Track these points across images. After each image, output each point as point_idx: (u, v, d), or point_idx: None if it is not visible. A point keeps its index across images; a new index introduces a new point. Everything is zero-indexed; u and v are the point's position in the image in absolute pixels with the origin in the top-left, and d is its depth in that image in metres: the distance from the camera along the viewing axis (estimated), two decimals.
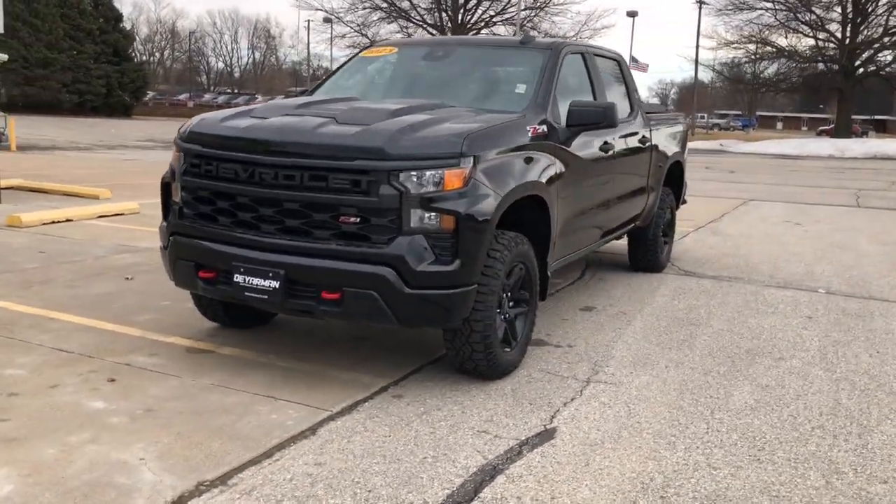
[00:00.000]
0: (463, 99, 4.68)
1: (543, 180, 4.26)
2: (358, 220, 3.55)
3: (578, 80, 5.26)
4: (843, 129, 43.33)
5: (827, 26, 43.46)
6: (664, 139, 6.65)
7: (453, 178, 3.56)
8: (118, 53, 46.59)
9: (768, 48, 44.49)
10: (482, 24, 49.33)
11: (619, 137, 5.55)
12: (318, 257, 3.60)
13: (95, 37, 45.33)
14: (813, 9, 42.81)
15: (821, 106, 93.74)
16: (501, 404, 3.78)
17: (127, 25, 51.05)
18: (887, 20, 41.60)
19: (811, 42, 44.43)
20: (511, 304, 4.16)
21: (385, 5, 48.06)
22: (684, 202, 7.82)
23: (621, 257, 7.24)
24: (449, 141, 3.63)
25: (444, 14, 49.07)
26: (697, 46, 61.36)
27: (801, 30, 43.92)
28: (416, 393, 3.87)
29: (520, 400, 3.84)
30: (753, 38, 44.82)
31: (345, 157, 3.53)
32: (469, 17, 48.94)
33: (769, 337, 5.08)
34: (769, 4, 43.08)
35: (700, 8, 48.25)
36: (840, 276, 7.07)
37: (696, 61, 51.53)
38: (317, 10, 43.58)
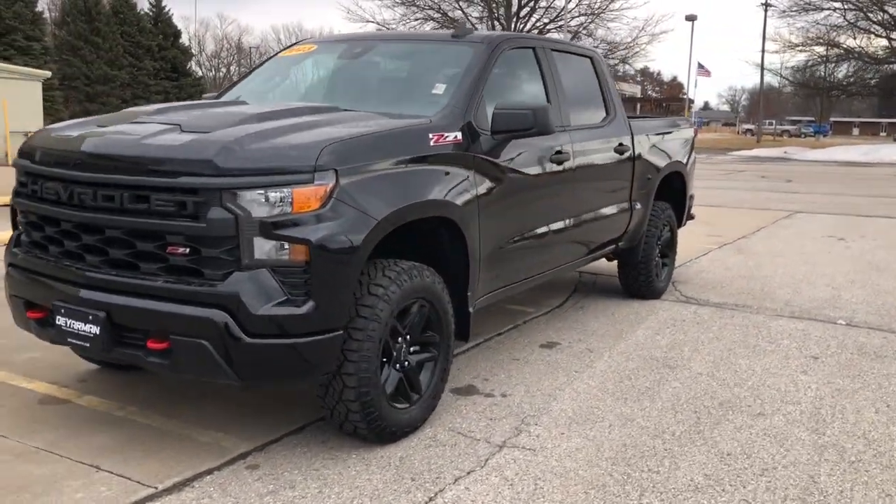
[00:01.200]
0: (372, 102, 3.99)
1: (455, 198, 3.53)
2: (188, 250, 2.89)
3: (526, 81, 4.51)
4: None
5: None
6: (654, 147, 5.80)
7: (306, 198, 2.87)
8: (176, 69, 47.56)
9: (836, 50, 42.33)
10: (536, 32, 48.47)
11: (583, 146, 4.76)
12: (144, 297, 2.95)
13: (154, 53, 46.42)
14: (886, 8, 40.52)
15: None
16: (377, 479, 3.06)
17: (191, 42, 52.13)
18: None
19: (883, 42, 42.08)
20: (412, 349, 3.43)
21: (437, 16, 47.70)
22: (691, 218, 6.92)
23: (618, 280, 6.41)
24: (300, 151, 2.94)
25: (497, 23, 48.38)
26: (763, 50, 59.37)
27: (872, 30, 41.64)
28: (278, 462, 3.18)
29: (402, 473, 3.11)
30: (821, 40, 42.75)
31: (167, 173, 2.88)
32: (522, 26, 48.14)
33: (756, 384, 4.20)
34: (838, 4, 41.01)
35: (766, 10, 46.34)
36: (869, 304, 6.07)
37: (762, 66, 49.50)
38: (368, 21, 43.45)
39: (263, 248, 2.85)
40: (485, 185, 3.77)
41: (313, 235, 2.86)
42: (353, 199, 2.98)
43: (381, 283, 3.15)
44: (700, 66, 50.79)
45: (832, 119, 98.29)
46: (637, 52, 44.96)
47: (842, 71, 46.38)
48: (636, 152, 5.49)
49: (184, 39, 51.62)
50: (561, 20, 47.87)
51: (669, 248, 6.37)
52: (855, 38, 42.06)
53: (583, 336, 5.08)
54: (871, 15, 41.27)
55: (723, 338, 5.08)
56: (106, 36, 43.81)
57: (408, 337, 3.39)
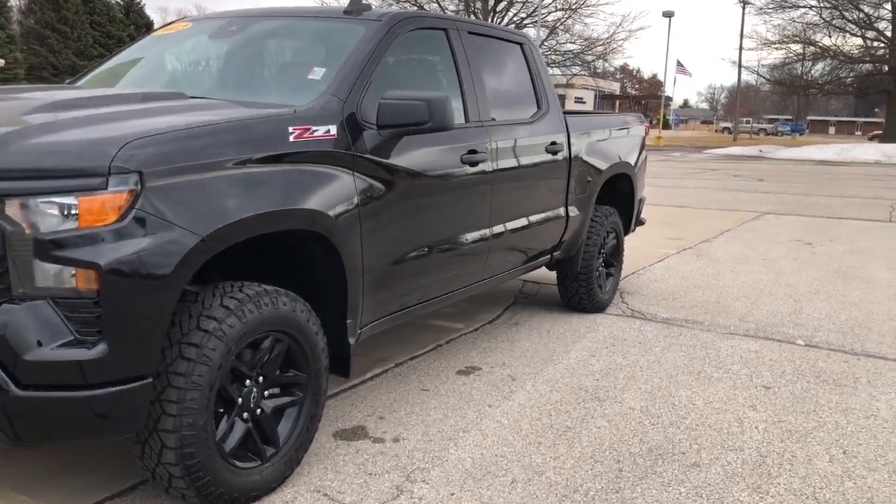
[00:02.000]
0: (235, 88, 3.36)
1: (325, 207, 2.89)
2: None
3: (433, 69, 3.89)
4: (892, 134, 40.64)
5: (875, 24, 40.92)
6: (595, 147, 5.20)
7: (97, 209, 2.23)
8: None
9: (812, 48, 42.10)
10: (514, 27, 47.83)
11: (506, 145, 4.14)
12: None
13: (126, 44, 45.31)
14: (861, 6, 40.32)
15: (875, 110, 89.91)
16: None
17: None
18: None
19: (858, 41, 41.92)
20: (267, 393, 2.80)
21: (414, 9, 46.98)
22: (641, 223, 6.33)
23: None
24: (92, 148, 2.29)
25: (473, 17, 47.72)
26: (741, 48, 59.06)
27: (847, 28, 41.44)
28: None
29: None
30: (797, 38, 42.50)
31: None
32: (500, 21, 47.48)
33: (695, 423, 3.61)
34: (814, 2, 40.75)
35: (744, 7, 45.99)
36: (833, 320, 5.52)
37: (740, 63, 49.18)
38: None
39: (43, 273, 2.20)
40: (371, 191, 3.14)
41: (105, 257, 2.21)
42: (166, 209, 2.33)
43: (215, 316, 2.51)
44: (679, 64, 50.47)
45: (809, 118, 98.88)
46: (614, 49, 44.49)
47: (818, 69, 46.23)
48: (573, 152, 4.88)
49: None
50: (537, 15, 47.32)
51: (615, 256, 5.78)
52: (830, 37, 41.87)
53: (509, 359, 4.47)
54: (846, 13, 41.07)
55: (665, 361, 4.49)
56: (74, 25, 42.71)
57: (261, 379, 2.76)
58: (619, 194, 5.77)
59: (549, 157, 4.60)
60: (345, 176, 3.02)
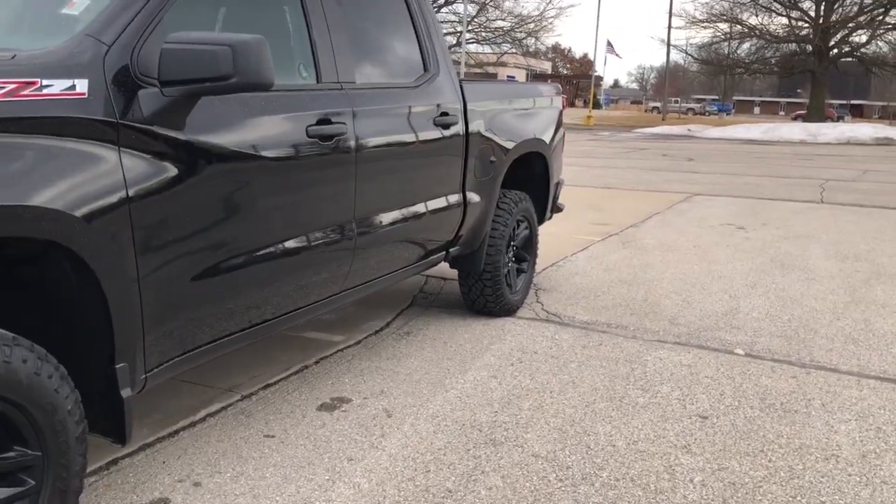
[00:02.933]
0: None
1: (67, 206, 1.93)
2: None
3: (267, 8, 2.92)
4: (815, 113, 41.27)
5: (800, 4, 41.36)
6: (500, 120, 4.32)
7: None
8: None
9: (739, 27, 42.34)
10: (436, 9, 46.67)
11: (375, 115, 3.22)
12: None
13: None
14: None
15: (798, 90, 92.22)
16: None
17: None
18: None
19: (784, 21, 42.34)
20: None
21: None
22: (559, 210, 5.50)
23: None
24: None
25: None
26: (670, 27, 59.29)
27: (773, 7, 41.77)
28: None
29: None
30: (724, 17, 42.66)
31: None
32: None
33: (613, 476, 2.79)
34: None
35: None
36: (773, 320, 4.80)
37: (668, 42, 49.21)
38: None
39: None
40: (151, 178, 2.18)
41: None
42: None
43: None
44: (609, 44, 50.23)
45: (735, 98, 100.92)
46: (545, 27, 43.96)
47: (744, 49, 46.60)
48: (471, 126, 3.99)
49: None
50: None
51: (527, 250, 4.93)
52: (757, 16, 42.18)
53: (390, 385, 3.58)
54: None
55: (581, 382, 3.67)
56: None
57: None
58: (531, 177, 4.92)
59: (438, 131, 3.70)
60: (104, 156, 2.05)
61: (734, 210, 9.77)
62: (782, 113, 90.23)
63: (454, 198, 3.93)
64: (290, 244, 2.79)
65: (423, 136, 3.58)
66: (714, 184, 13.01)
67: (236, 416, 3.20)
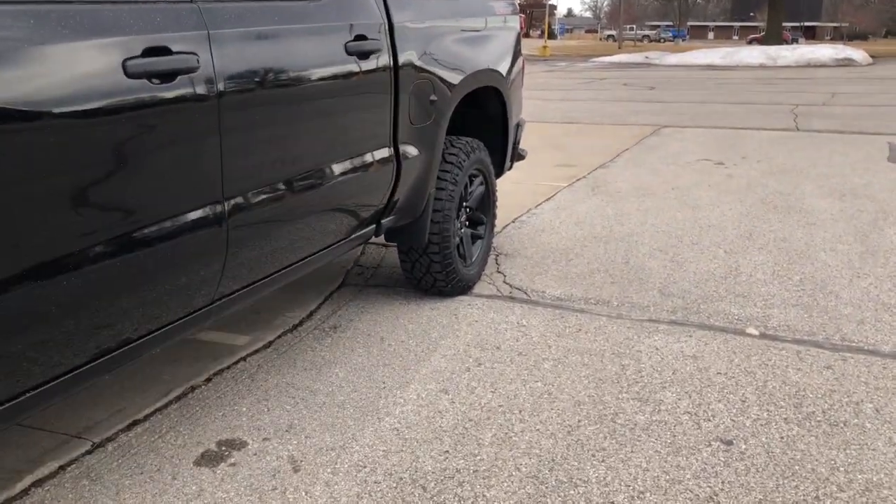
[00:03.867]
0: None
1: None
2: None
3: None
4: (773, 36, 40.43)
5: None
6: (441, 47, 3.30)
7: None
8: None
9: None
10: None
11: (244, 42, 2.18)
12: None
13: None
14: None
15: (751, 14, 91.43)
16: None
17: None
18: None
19: None
20: None
21: None
22: (521, 157, 4.54)
23: None
24: None
25: None
26: None
27: None
28: None
29: None
30: None
31: None
32: None
33: None
34: None
35: None
36: (783, 281, 3.96)
37: None
38: None
39: None
40: None
41: None
42: None
43: None
44: None
45: (689, 24, 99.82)
46: None
47: None
48: (401, 55, 2.96)
49: None
50: None
51: (484, 210, 3.99)
52: None
53: (302, 413, 2.64)
54: None
55: (560, 393, 2.78)
56: None
57: None
58: (485, 119, 3.94)
59: (352, 63, 2.67)
60: None
61: (708, 143, 8.90)
62: (736, 37, 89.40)
63: (381, 153, 2.93)
64: (104, 246, 1.78)
65: (329, 70, 2.56)
66: (681, 114, 12.13)
67: (76, 484, 2.24)
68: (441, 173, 3.45)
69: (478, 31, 3.71)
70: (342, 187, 2.69)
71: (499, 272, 4.15)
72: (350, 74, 2.66)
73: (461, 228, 3.75)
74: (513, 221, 5.19)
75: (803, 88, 17.64)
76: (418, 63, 3.08)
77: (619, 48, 47.43)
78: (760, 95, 15.90)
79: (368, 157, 2.84)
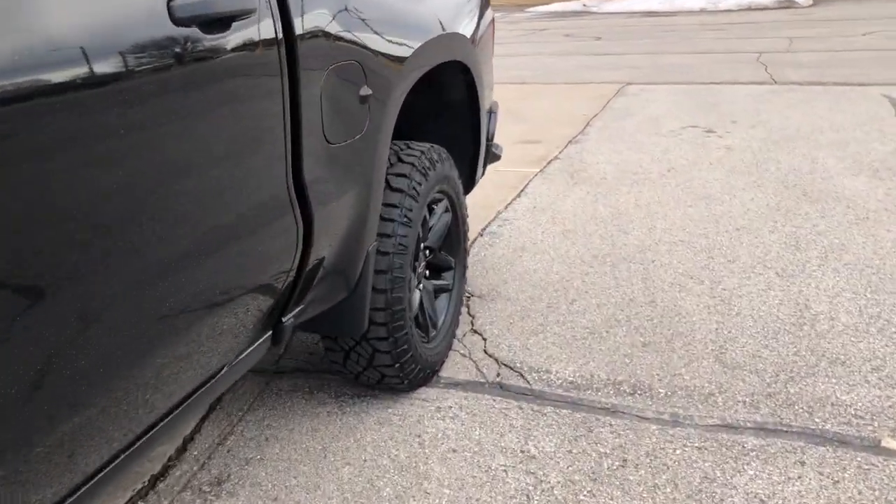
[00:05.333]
0: None
1: None
2: None
3: None
4: None
5: None
6: (370, 4, 1.89)
7: None
8: None
9: None
10: None
11: None
12: None
13: None
14: None
15: None
16: None
17: None
18: None
19: None
20: None
21: None
22: (496, 159, 3.18)
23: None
24: None
25: None
26: None
27: None
28: None
29: None
30: None
31: None
32: None
33: None
34: None
35: None
36: (883, 328, 2.73)
37: None
38: None
39: None
40: None
41: None
42: None
43: None
44: None
45: None
46: None
47: None
48: (296, 17, 1.54)
49: None
50: None
51: (452, 248, 2.62)
52: None
53: None
54: None
55: None
56: None
57: None
58: (444, 109, 2.55)
59: (196, 37, 1.25)
60: None
61: (684, 104, 7.66)
62: None
63: (268, 206, 1.53)
64: None
65: (134, 60, 1.14)
66: (639, 68, 10.89)
67: None
68: (386, 211, 2.06)
69: None
70: (178, 289, 1.29)
71: (475, 331, 2.82)
72: (182, 62, 1.24)
73: (419, 284, 2.39)
74: (480, 234, 3.86)
75: (755, 34, 16.58)
76: (333, 30, 1.66)
77: None
78: (715, 43, 14.78)
79: (236, 221, 1.44)
